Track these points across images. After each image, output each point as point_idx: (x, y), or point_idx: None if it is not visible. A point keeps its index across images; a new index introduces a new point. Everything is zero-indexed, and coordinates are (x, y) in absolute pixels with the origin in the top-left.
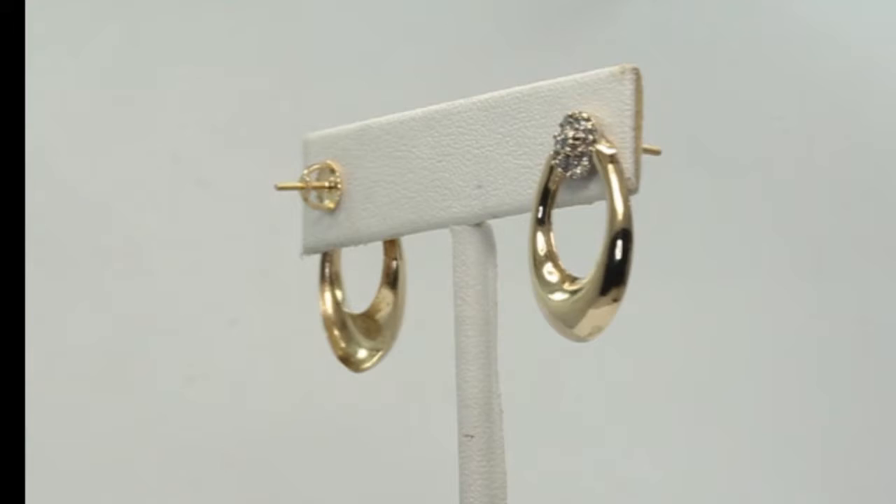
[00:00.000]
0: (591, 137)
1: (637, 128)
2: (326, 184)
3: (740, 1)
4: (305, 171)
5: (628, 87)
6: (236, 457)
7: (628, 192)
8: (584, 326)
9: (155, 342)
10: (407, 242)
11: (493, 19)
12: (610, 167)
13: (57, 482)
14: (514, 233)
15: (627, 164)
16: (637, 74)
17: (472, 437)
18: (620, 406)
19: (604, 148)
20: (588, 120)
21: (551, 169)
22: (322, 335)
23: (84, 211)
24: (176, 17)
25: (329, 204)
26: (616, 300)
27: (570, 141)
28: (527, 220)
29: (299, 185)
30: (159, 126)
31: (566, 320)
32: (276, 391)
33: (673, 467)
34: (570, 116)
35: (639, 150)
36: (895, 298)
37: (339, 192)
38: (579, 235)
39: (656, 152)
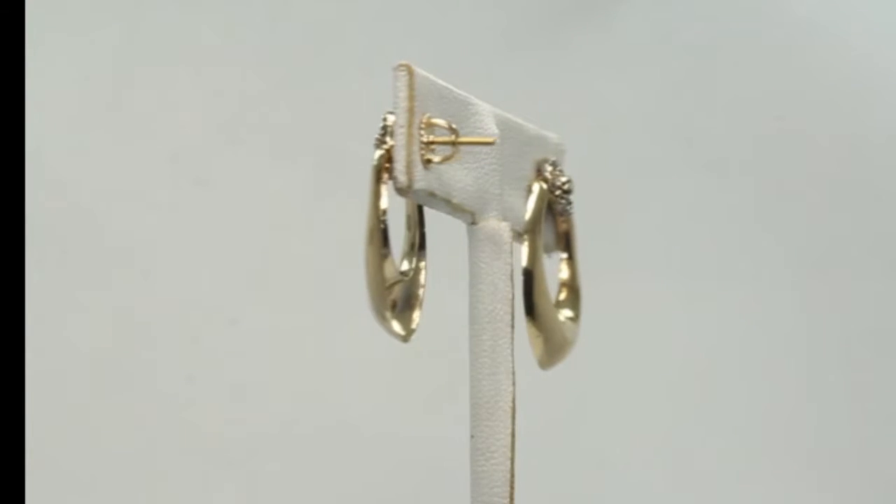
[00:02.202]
0: (382, 139)
1: (408, 125)
2: None
3: (740, 1)
4: None
5: (397, 85)
6: (236, 456)
7: (397, 190)
8: None
9: (155, 342)
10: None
11: (494, 19)
12: (376, 167)
13: (57, 482)
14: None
15: (398, 162)
16: (408, 71)
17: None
18: (619, 406)
19: (380, 148)
20: (385, 120)
21: None
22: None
23: (83, 211)
24: (175, 17)
25: None
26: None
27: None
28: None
29: None
30: (159, 126)
31: None
32: (276, 391)
33: (672, 467)
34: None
35: (409, 147)
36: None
37: None
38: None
39: (489, 143)
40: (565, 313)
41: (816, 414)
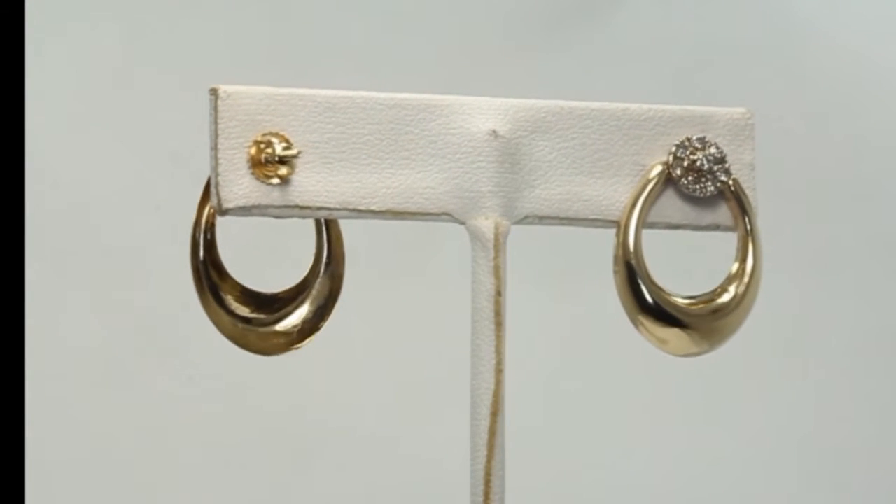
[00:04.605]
0: None
1: (214, 148)
2: None
3: (740, 1)
4: None
5: (208, 107)
6: (236, 457)
7: (215, 211)
8: None
9: (155, 342)
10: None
11: (492, 19)
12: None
13: (57, 482)
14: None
15: (212, 185)
16: (215, 95)
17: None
18: (619, 406)
19: None
20: None
21: None
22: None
23: (84, 211)
24: (175, 16)
25: None
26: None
27: None
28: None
29: None
30: (159, 126)
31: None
32: (276, 391)
33: (673, 467)
34: None
35: (216, 169)
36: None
37: None
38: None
39: (293, 156)
40: (726, 296)
41: (817, 415)
